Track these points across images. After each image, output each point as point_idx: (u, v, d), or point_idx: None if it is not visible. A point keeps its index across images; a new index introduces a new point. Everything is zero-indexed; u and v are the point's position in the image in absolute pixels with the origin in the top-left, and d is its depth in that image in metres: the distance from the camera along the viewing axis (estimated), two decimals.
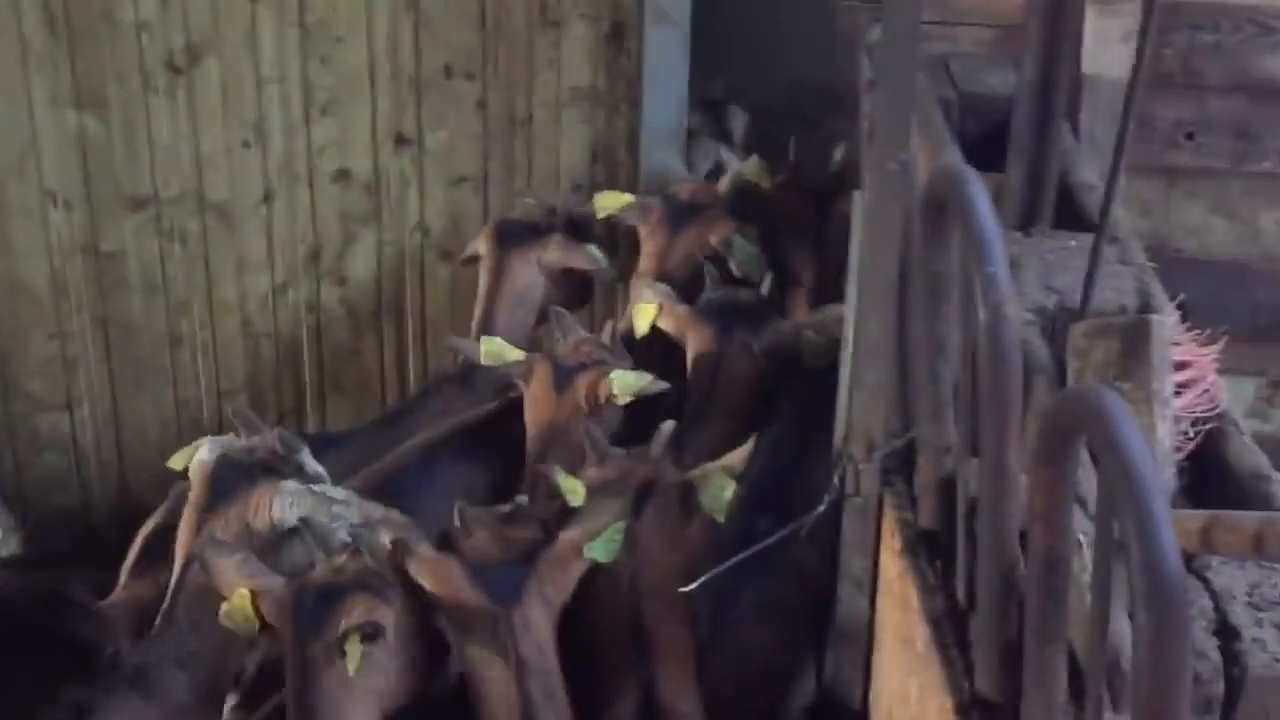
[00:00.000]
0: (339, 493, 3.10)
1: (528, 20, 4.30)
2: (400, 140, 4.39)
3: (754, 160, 3.96)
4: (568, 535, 2.67)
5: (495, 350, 3.54)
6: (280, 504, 3.06)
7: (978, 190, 1.88)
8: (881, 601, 2.50)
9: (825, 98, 4.93)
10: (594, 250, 3.96)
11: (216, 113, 4.26)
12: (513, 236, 4.04)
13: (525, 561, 2.64)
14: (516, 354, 3.53)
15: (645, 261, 3.87)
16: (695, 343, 3.48)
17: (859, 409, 2.35)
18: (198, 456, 3.16)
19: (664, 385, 3.33)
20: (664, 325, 3.54)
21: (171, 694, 2.97)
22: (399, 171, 4.42)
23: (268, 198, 4.38)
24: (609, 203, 3.99)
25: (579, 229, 4.07)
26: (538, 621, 2.61)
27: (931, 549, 2.22)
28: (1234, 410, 3.91)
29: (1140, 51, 2.17)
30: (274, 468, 3.13)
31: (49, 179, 4.29)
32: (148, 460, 4.44)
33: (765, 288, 3.60)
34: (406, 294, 4.55)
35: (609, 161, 4.48)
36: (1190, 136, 3.69)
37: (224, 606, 2.75)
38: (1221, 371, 2.32)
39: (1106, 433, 1.39)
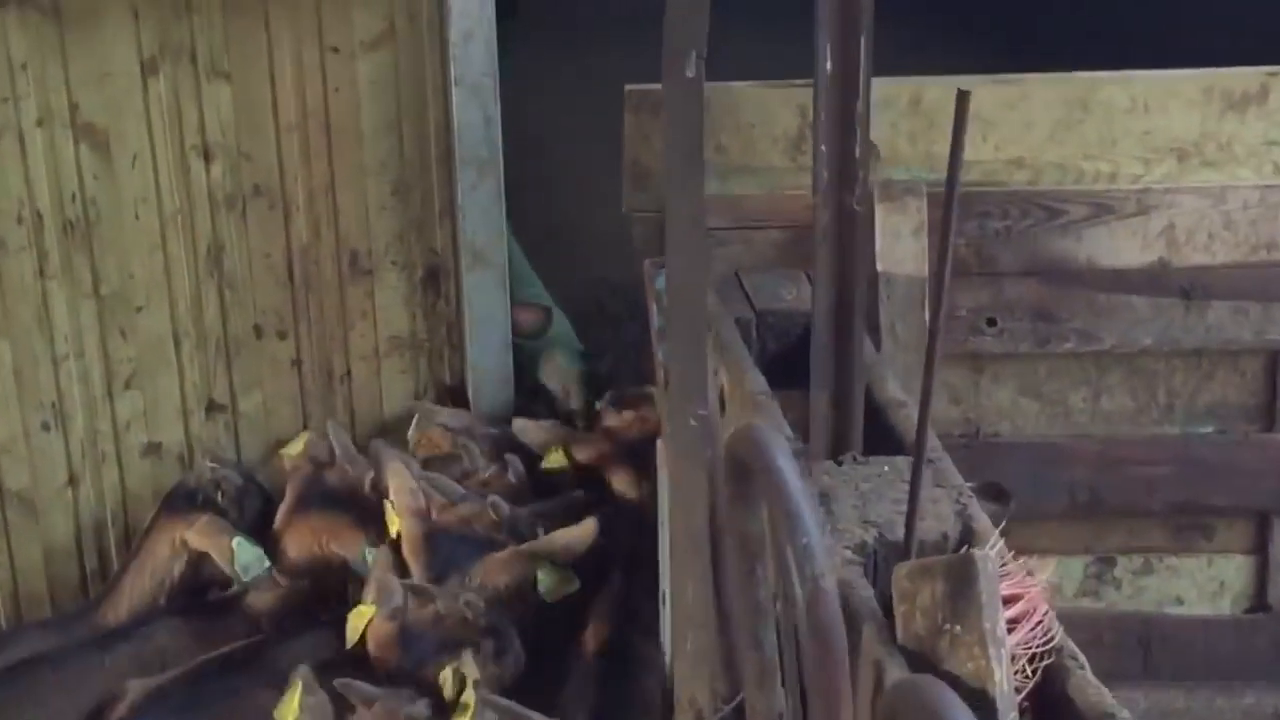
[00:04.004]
0: None
1: (338, 272, 4.19)
2: (212, 407, 4.24)
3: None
4: None
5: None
6: None
7: (780, 453, 1.71)
8: None
9: (627, 296, 4.95)
10: (241, 544, 3.72)
11: (11, 397, 4.01)
12: (172, 503, 3.89)
13: None
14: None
15: None
16: None
17: (682, 676, 2.23)
18: None
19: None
20: None
21: None
22: (213, 440, 4.22)
23: (73, 481, 4.13)
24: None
25: (246, 506, 3.93)
26: None
27: None
28: (1066, 589, 3.88)
29: (944, 249, 2.14)
30: None
31: None
32: None
33: None
34: None
35: None
36: (992, 322, 3.68)
37: None
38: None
39: None
